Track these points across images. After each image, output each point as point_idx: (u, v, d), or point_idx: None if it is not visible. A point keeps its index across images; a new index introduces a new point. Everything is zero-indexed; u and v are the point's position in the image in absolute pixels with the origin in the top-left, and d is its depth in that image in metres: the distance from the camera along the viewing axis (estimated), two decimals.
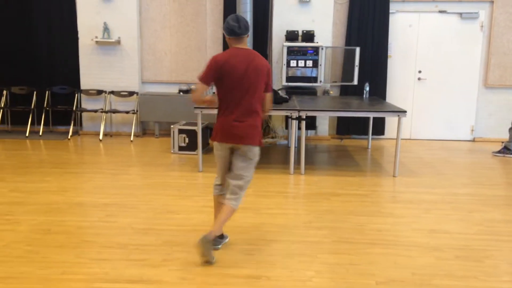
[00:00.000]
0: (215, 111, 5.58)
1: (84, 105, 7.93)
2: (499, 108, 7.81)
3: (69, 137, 7.60)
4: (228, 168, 3.38)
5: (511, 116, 6.84)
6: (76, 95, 7.85)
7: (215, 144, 3.33)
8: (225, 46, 7.76)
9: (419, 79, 7.87)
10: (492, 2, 7.54)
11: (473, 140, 7.93)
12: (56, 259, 3.23)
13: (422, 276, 3.04)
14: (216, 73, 3.21)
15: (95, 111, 7.65)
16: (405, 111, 5.42)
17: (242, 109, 3.23)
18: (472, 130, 7.92)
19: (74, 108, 7.78)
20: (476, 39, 7.69)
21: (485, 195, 4.88)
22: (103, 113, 7.74)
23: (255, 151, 3.31)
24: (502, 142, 7.09)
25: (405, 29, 7.73)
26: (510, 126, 6.81)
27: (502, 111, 7.77)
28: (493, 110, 7.84)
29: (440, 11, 7.66)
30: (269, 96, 3.38)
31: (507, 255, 3.40)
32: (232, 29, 3.20)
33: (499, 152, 6.84)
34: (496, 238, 3.72)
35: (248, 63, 3.19)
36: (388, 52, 7.69)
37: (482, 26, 7.65)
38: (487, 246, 3.56)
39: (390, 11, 7.59)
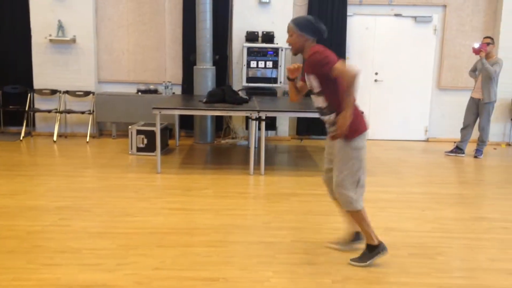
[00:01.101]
0: (171, 112, 5.54)
1: (38, 105, 7.67)
2: (451, 109, 8.08)
3: (21, 138, 7.33)
4: None
5: (462, 117, 7.09)
6: (29, 94, 7.59)
7: (363, 136, 3.16)
8: (186, 45, 7.69)
9: (375, 80, 8.04)
10: (445, 6, 7.80)
11: (427, 140, 8.18)
12: (6, 264, 3.10)
13: (377, 274, 3.10)
14: None
15: (49, 111, 7.42)
16: (362, 112, 5.51)
17: None
18: (426, 131, 8.17)
19: (26, 108, 7.51)
20: (429, 42, 7.94)
21: (437, 193, 5.04)
22: (58, 114, 7.52)
23: None
24: (454, 142, 7.34)
25: (362, 32, 7.89)
26: (462, 126, 7.06)
27: (454, 112, 8.04)
28: (446, 111, 8.11)
29: (396, 15, 7.86)
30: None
31: (457, 252, 3.51)
32: (322, 34, 3.17)
33: (451, 151, 7.08)
34: (447, 235, 3.84)
35: None
36: (346, 54, 7.83)
37: (435, 30, 7.90)
38: (439, 243, 3.67)
39: (348, 13, 7.72)
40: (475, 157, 6.92)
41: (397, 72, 8.01)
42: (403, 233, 3.85)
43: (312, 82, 3.12)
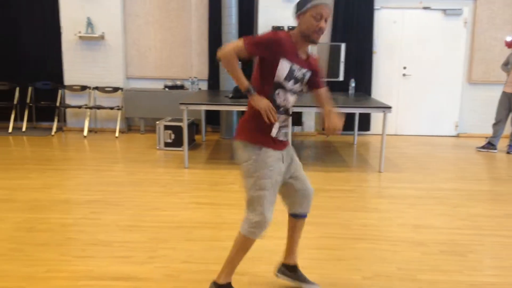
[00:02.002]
0: (197, 107, 5.58)
1: (68, 101, 7.83)
2: (482, 104, 7.90)
3: (53, 133, 7.50)
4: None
5: (494, 112, 6.93)
6: (60, 90, 7.75)
7: None
8: (212, 41, 7.72)
9: (404, 75, 7.92)
10: None
11: (457, 136, 8.02)
12: (40, 256, 3.18)
13: (407, 271, 3.06)
14: None
15: (79, 107, 7.57)
16: (390, 107, 5.45)
17: None
18: (456, 126, 8.01)
19: (57, 104, 7.68)
20: (459, 36, 7.77)
21: (469, 190, 4.94)
22: (88, 109, 7.66)
23: (235, 149, 2.58)
24: (486, 138, 7.18)
25: (390, 25, 7.77)
26: (493, 121, 6.90)
27: (486, 106, 7.86)
28: (477, 106, 7.94)
29: (424, 8, 7.71)
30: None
31: (490, 249, 3.44)
32: None
33: (483, 147, 6.93)
34: (479, 232, 3.76)
35: None
36: (373, 48, 7.73)
37: (465, 23, 7.72)
38: (471, 240, 3.60)
39: (375, 7, 7.62)
40: (508, 153, 6.75)
41: (426, 66, 7.87)
42: (433, 230, 3.79)
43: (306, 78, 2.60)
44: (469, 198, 4.66)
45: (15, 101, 7.73)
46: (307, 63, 2.56)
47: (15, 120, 7.79)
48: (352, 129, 7.73)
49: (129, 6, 7.76)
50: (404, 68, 7.88)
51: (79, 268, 3.02)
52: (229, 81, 7.31)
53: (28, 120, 7.86)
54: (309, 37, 2.44)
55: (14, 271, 2.97)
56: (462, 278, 2.98)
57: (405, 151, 6.77)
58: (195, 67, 7.95)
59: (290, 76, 2.46)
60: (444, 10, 7.69)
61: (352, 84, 6.92)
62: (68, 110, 7.90)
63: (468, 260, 3.25)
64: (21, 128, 7.71)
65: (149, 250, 3.31)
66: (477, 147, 7.00)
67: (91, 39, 7.63)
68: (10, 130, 7.55)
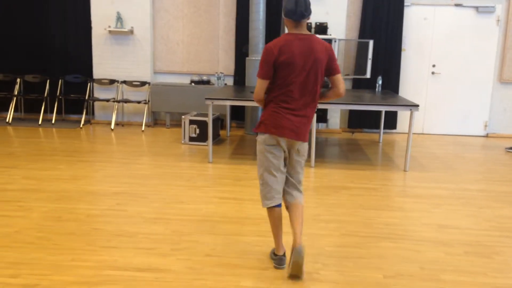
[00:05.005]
0: (223, 103, 5.60)
1: (97, 94, 7.97)
2: None
3: (81, 126, 7.66)
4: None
5: None
6: (89, 84, 7.90)
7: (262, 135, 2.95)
8: (239, 37, 7.74)
9: (433, 73, 7.79)
10: None
11: (487, 136, 7.85)
12: (66, 246, 3.26)
13: (430, 271, 3.03)
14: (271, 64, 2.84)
15: (107, 100, 7.70)
16: (418, 105, 5.37)
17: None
18: (486, 126, 7.83)
19: (86, 97, 7.83)
20: (492, 34, 7.58)
21: (496, 191, 4.83)
22: (115, 103, 7.79)
23: (306, 146, 3.02)
24: None
25: (420, 23, 7.64)
26: None
27: None
28: (508, 105, 7.75)
29: (456, 5, 7.56)
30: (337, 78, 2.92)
31: None
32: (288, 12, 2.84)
33: None
34: (506, 234, 3.69)
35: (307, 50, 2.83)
36: (402, 45, 7.62)
37: (498, 21, 7.53)
38: (497, 242, 3.53)
39: (405, 3, 7.50)
40: None
41: (456, 64, 7.72)
42: (459, 231, 3.73)
43: None
44: (496, 199, 4.57)
45: (46, 94, 7.93)
46: None
47: (45, 112, 7.99)
48: (378, 127, 7.64)
49: (158, 1, 7.84)
50: (433, 66, 7.75)
51: (103, 258, 3.09)
52: (254, 77, 7.32)
53: (57, 113, 8.06)
54: None
55: (41, 259, 3.06)
56: (486, 280, 2.93)
57: (432, 151, 6.66)
58: (221, 63, 7.99)
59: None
60: (477, 8, 7.52)
61: (379, 81, 6.84)
62: (97, 103, 8.05)
63: (493, 262, 3.19)
64: (50, 120, 7.90)
65: (172, 242, 3.36)
66: (506, 148, 6.84)
67: (120, 33, 7.74)
68: (40, 122, 7.74)
